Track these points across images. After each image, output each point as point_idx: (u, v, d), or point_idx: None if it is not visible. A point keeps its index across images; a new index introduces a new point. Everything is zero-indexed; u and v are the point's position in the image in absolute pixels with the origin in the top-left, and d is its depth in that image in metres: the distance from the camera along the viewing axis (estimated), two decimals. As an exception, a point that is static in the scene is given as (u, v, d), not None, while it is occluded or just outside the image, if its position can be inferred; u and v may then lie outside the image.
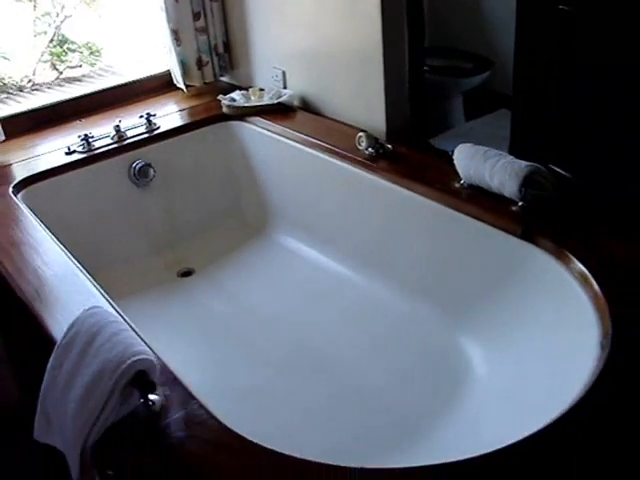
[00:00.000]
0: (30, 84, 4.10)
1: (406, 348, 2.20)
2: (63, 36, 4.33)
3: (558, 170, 2.38)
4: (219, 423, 1.38)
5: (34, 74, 4.34)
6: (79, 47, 4.41)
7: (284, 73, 3.06)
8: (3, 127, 2.93)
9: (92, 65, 4.34)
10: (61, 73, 4.42)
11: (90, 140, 2.78)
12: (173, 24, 3.13)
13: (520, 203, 2.06)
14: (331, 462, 1.23)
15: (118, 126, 2.84)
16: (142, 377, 1.40)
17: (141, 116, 2.91)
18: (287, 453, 1.28)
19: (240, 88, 3.19)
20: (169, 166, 2.89)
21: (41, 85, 4.13)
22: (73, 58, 4.42)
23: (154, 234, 2.88)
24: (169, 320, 2.52)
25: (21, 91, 4.08)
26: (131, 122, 2.92)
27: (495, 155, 2.14)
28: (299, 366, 2.21)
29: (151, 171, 2.83)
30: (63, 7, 3.90)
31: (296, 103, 3.03)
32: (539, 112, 2.76)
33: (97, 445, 1.34)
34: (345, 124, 2.80)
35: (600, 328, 1.56)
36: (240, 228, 2.99)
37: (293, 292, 2.58)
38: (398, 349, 2.21)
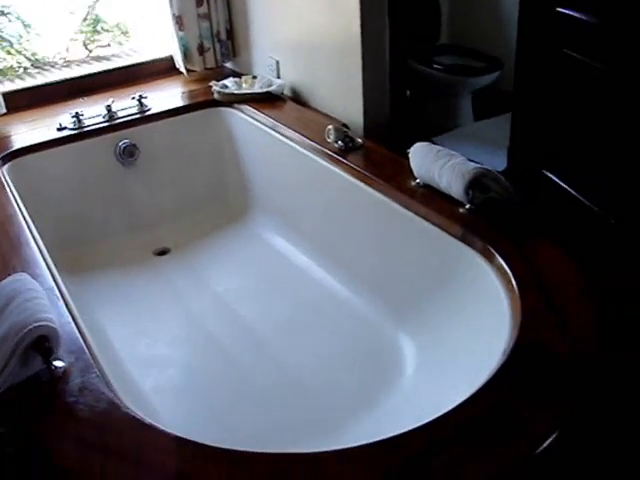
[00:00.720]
0: (62, 60, 4.23)
1: (343, 339, 2.23)
2: (97, 16, 4.44)
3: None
4: (112, 394, 1.43)
5: (67, 51, 4.49)
6: (110, 27, 4.53)
7: (278, 63, 3.10)
8: (6, 101, 3.04)
9: (120, 45, 4.46)
10: (91, 52, 4.56)
11: (81, 118, 2.88)
12: (176, 9, 3.19)
13: (467, 206, 2.04)
14: (256, 447, 1.26)
15: (109, 106, 2.93)
16: (44, 342, 1.46)
17: (133, 97, 2.98)
18: (168, 431, 1.32)
19: (240, 75, 3.24)
20: (156, 147, 2.97)
21: (72, 62, 4.25)
22: (103, 38, 4.55)
23: (136, 213, 2.97)
24: (134, 293, 2.61)
25: (53, 67, 4.23)
26: (125, 103, 2.99)
27: (446, 155, 2.14)
28: (241, 351, 2.26)
29: (136, 151, 2.91)
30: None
31: (287, 93, 3.06)
32: (537, 116, 2.74)
33: None
34: (328, 116, 2.82)
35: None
36: (221, 213, 3.05)
37: (256, 279, 2.63)
38: (336, 340, 2.24)
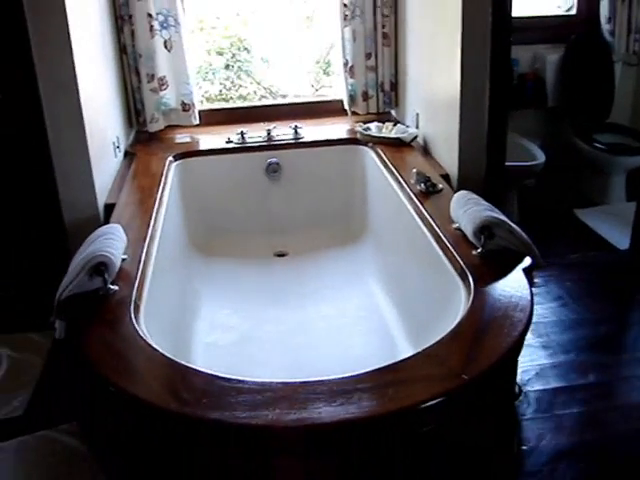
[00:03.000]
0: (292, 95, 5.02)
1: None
2: (329, 61, 5.17)
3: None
4: (134, 317, 2.01)
5: (300, 87, 5.29)
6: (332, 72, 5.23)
7: (417, 115, 3.54)
8: (201, 117, 3.84)
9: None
10: (317, 90, 5.32)
11: (245, 136, 3.56)
12: (350, 59, 3.78)
13: (479, 249, 2.34)
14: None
15: (270, 130, 3.58)
16: (103, 268, 2.10)
17: (290, 126, 3.61)
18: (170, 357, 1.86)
19: (398, 122, 3.74)
20: (298, 169, 3.55)
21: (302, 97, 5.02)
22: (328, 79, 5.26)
23: (270, 218, 3.58)
24: (243, 278, 3.23)
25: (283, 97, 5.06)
26: (284, 130, 3.63)
27: (473, 203, 2.44)
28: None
29: (279, 169, 3.53)
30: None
31: (420, 141, 3.49)
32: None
33: (66, 300, 2.04)
34: (437, 164, 3.21)
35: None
36: (341, 233, 3.53)
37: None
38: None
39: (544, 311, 3.01)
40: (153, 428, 1.75)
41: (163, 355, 1.82)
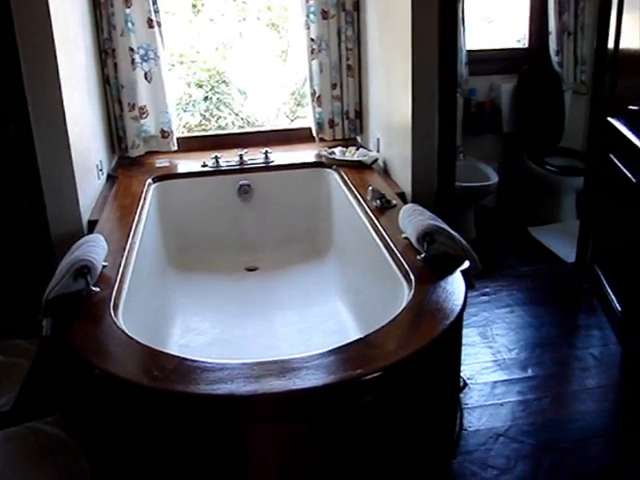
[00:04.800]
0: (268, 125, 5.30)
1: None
2: (303, 93, 5.47)
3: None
4: (114, 313, 2.27)
5: (277, 119, 5.59)
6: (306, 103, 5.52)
7: (378, 140, 3.85)
8: (179, 143, 4.13)
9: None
10: (292, 120, 5.62)
11: (219, 161, 3.85)
12: (317, 89, 4.10)
13: (423, 255, 2.61)
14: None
15: (242, 155, 3.87)
16: (86, 271, 2.37)
17: (261, 152, 3.91)
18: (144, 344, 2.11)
19: (361, 146, 4.05)
20: (268, 190, 3.84)
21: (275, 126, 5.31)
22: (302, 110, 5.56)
23: (242, 237, 3.85)
24: (214, 289, 3.49)
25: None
26: (255, 155, 3.92)
27: (418, 213, 2.72)
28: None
29: (251, 190, 3.82)
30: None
31: (380, 163, 3.79)
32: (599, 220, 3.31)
33: (53, 300, 2.30)
34: (394, 184, 3.51)
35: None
36: (309, 249, 3.81)
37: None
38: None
39: (492, 316, 3.29)
40: (130, 404, 2.00)
41: (138, 342, 2.09)
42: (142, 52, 3.85)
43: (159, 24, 3.85)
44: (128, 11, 3.73)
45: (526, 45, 4.72)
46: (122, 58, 3.79)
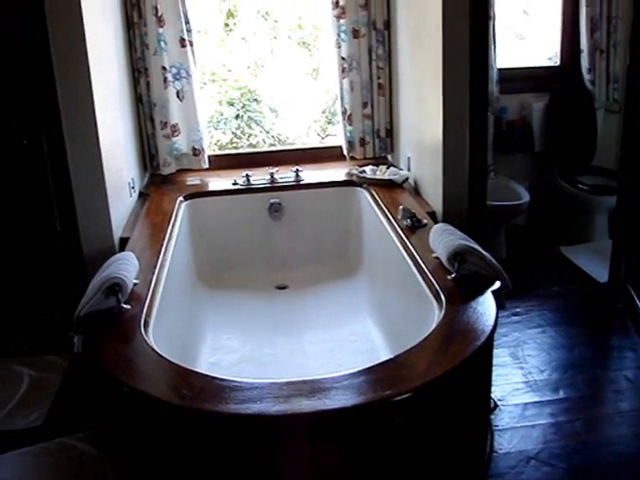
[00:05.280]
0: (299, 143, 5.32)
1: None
2: (334, 111, 5.50)
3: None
4: (144, 331, 2.29)
5: (308, 137, 5.61)
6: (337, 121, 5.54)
7: (409, 159, 3.85)
8: (210, 161, 4.17)
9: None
10: (323, 138, 5.63)
11: (250, 179, 3.87)
12: (348, 108, 4.11)
13: (453, 274, 2.60)
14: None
15: (273, 173, 3.89)
16: (117, 289, 2.39)
17: (292, 170, 3.92)
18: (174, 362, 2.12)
19: (392, 165, 4.05)
20: (298, 209, 3.85)
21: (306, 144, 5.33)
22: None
23: (272, 254, 3.86)
24: (245, 307, 3.50)
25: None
26: (286, 174, 3.94)
27: (449, 233, 2.71)
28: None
29: (281, 209, 3.83)
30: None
31: (411, 182, 3.79)
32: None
33: (84, 317, 2.33)
34: (425, 203, 3.50)
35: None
36: (339, 268, 3.81)
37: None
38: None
39: (523, 337, 3.25)
40: (158, 422, 2.00)
41: (168, 360, 2.10)
42: (174, 71, 3.90)
43: (191, 43, 3.90)
44: (161, 30, 3.78)
45: (558, 63, 4.68)
46: (154, 77, 3.84)
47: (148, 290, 2.58)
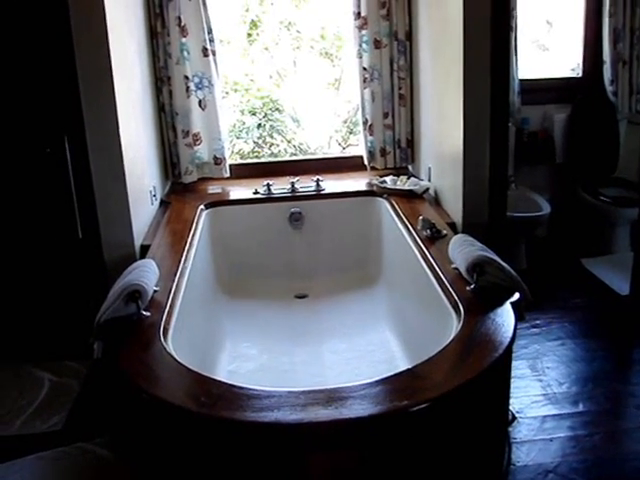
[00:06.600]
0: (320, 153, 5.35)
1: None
2: (355, 121, 5.53)
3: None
4: (163, 338, 2.30)
5: (329, 147, 5.64)
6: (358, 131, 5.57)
7: (430, 169, 3.84)
8: (231, 170, 4.19)
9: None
10: (344, 148, 5.66)
11: (271, 188, 3.89)
12: (369, 118, 4.12)
13: (472, 285, 2.59)
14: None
15: (293, 182, 3.91)
16: (137, 296, 2.41)
17: (312, 179, 3.93)
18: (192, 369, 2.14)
19: (412, 175, 4.05)
20: (319, 218, 3.86)
21: (327, 154, 5.36)
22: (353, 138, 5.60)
23: (292, 263, 3.87)
24: (263, 315, 3.51)
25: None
26: (307, 183, 3.96)
27: (468, 244, 2.70)
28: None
29: (302, 218, 3.84)
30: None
31: (432, 193, 3.78)
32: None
33: (104, 323, 2.34)
34: (445, 213, 3.49)
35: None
36: (358, 278, 3.81)
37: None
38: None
39: (543, 349, 3.23)
40: (177, 429, 2.02)
41: (186, 368, 2.11)
42: (197, 80, 3.93)
43: (214, 53, 3.93)
44: (184, 40, 3.82)
45: (580, 74, 4.67)
46: (177, 86, 3.88)
47: (168, 297, 2.59)
